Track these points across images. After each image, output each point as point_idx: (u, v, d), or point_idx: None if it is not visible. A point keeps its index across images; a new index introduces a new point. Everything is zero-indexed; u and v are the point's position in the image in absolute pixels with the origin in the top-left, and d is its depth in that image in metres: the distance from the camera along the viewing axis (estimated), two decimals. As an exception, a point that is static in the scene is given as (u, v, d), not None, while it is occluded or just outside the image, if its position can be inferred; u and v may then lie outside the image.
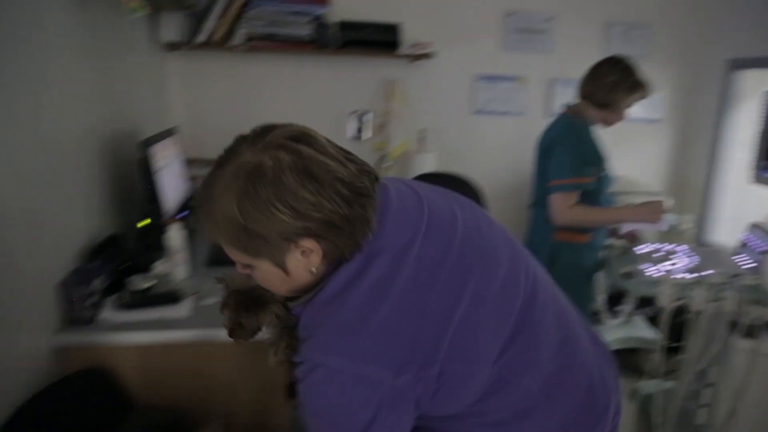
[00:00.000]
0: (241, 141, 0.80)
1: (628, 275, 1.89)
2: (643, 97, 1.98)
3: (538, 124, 3.16)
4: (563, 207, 1.92)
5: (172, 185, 1.99)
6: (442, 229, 0.88)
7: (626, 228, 2.03)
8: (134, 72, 2.18)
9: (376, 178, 0.84)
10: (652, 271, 1.83)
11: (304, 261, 0.81)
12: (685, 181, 3.37)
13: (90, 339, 1.38)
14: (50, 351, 1.34)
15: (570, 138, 1.97)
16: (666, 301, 1.77)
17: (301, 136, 0.78)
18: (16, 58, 1.23)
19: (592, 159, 1.96)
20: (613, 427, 1.02)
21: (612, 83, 1.94)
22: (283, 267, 0.81)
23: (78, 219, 1.54)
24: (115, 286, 1.57)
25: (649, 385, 2.27)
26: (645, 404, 2.17)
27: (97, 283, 1.47)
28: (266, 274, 0.84)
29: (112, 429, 1.30)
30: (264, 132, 0.79)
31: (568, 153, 1.94)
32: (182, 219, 1.90)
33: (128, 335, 1.40)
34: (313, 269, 0.82)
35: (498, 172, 3.23)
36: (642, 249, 2.01)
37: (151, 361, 1.42)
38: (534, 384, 0.91)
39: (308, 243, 0.78)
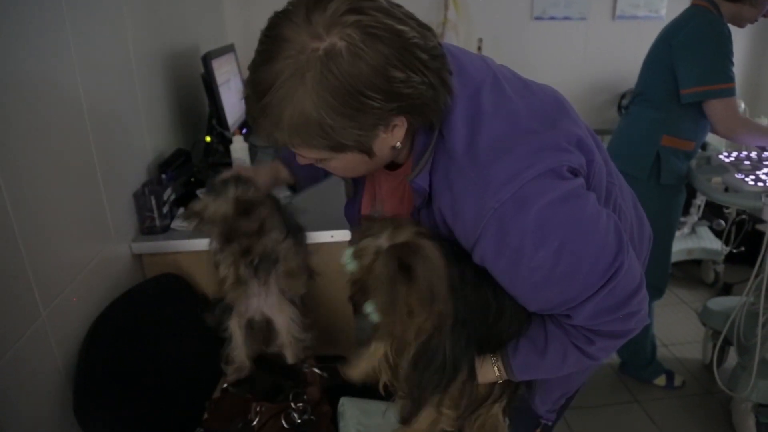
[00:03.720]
0: (284, 22, 0.65)
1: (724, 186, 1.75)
2: None
3: (602, 28, 3.00)
4: (732, 115, 1.73)
5: (233, 100, 1.99)
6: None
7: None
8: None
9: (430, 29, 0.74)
10: (751, 181, 1.66)
11: (388, 138, 0.72)
12: (760, 83, 3.24)
13: (164, 246, 1.43)
14: (131, 257, 1.40)
15: (718, 36, 1.72)
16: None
17: (361, 1, 0.65)
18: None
19: (732, 63, 1.74)
20: None
21: None
22: (369, 152, 0.73)
23: (147, 133, 1.56)
24: (185, 198, 1.61)
25: (719, 302, 2.17)
26: (715, 321, 2.10)
27: (168, 195, 1.51)
28: (346, 163, 0.75)
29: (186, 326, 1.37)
30: (313, 5, 0.64)
31: (720, 54, 1.71)
32: (245, 133, 1.91)
33: (198, 242, 1.43)
34: (398, 144, 0.75)
35: (561, 81, 3.07)
36: (727, 157, 1.84)
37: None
38: None
39: (397, 120, 0.70)
